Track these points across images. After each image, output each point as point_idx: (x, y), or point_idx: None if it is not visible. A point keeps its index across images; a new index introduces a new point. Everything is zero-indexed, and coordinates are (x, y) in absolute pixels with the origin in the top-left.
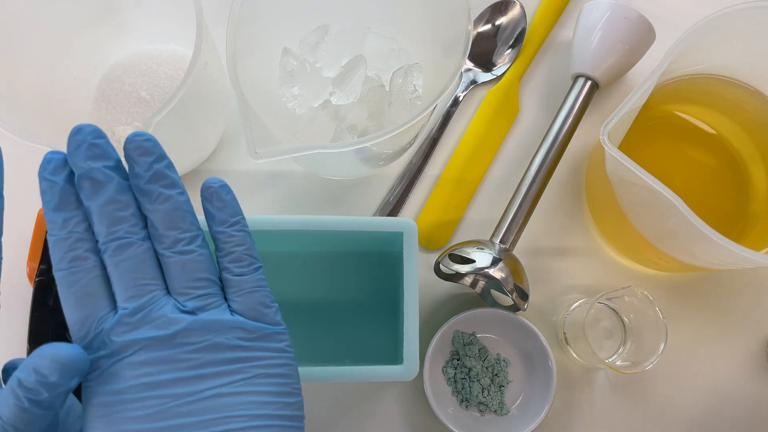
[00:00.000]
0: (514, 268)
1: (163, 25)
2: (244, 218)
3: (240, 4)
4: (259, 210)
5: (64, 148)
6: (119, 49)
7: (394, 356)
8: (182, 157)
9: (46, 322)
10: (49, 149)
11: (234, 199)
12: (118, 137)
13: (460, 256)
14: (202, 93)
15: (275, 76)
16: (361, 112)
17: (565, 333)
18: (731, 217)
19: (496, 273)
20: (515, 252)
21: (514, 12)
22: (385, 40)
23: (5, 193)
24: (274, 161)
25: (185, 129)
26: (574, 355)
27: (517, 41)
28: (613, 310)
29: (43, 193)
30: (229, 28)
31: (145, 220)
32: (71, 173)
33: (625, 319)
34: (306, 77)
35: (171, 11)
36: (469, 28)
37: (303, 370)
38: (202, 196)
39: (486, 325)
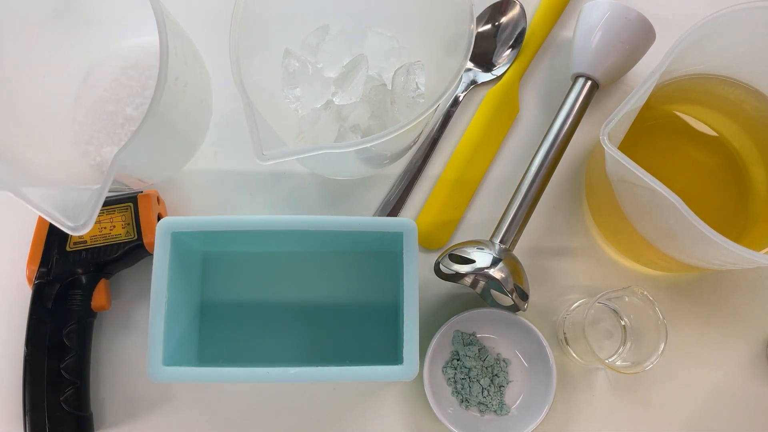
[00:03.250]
0: (514, 268)
1: (133, 15)
2: None
3: (242, 7)
4: (259, 210)
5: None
6: (92, 44)
7: (394, 356)
8: (164, 166)
9: (44, 324)
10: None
11: None
12: (104, 158)
13: (460, 256)
14: (177, 108)
15: (277, 78)
16: (364, 112)
17: (565, 333)
18: (731, 217)
19: (496, 273)
20: (515, 252)
21: (514, 12)
22: (385, 38)
23: (7, 194)
24: (277, 162)
25: (163, 142)
26: (574, 355)
27: (517, 41)
28: (613, 310)
29: None
30: (231, 33)
31: None
32: None
33: (625, 320)
34: (308, 78)
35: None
36: (472, 27)
37: (303, 370)
38: None
39: (486, 325)
